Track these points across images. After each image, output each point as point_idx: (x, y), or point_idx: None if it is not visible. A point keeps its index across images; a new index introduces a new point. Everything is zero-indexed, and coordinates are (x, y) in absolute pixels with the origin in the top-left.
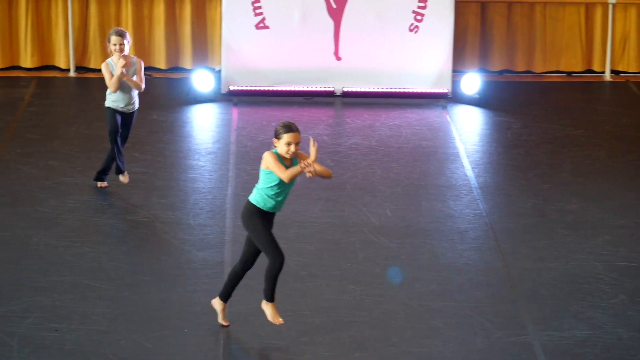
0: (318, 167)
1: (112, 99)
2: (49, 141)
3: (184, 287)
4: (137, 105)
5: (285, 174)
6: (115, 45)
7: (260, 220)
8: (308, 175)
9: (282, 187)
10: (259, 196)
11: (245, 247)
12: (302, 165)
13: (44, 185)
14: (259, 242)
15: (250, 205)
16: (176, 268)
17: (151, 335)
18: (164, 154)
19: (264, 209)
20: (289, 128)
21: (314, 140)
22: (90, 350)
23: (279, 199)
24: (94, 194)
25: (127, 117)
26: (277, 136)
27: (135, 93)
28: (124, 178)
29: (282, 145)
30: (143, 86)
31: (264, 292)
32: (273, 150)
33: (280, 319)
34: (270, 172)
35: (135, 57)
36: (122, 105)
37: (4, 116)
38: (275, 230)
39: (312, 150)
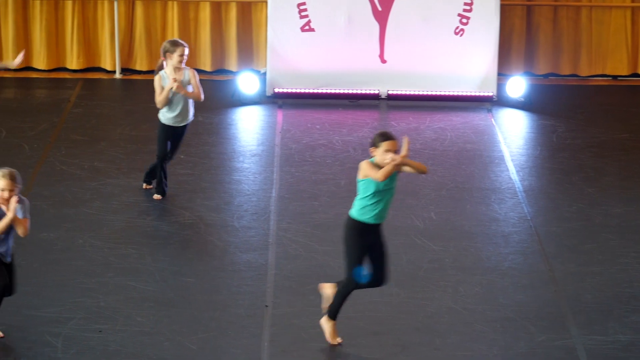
0: (412, 162)
1: (169, 116)
2: (94, 143)
3: (228, 289)
4: (192, 117)
5: (379, 174)
6: (181, 56)
7: (357, 238)
8: (398, 167)
9: (380, 196)
10: (359, 208)
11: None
12: (391, 158)
13: (89, 186)
14: (347, 257)
15: (350, 221)
16: (220, 270)
17: (195, 337)
18: (209, 156)
19: (366, 221)
20: (387, 136)
21: (407, 138)
22: (134, 352)
23: (379, 208)
24: (139, 196)
25: (180, 130)
26: (375, 145)
27: (191, 105)
28: (157, 197)
29: (381, 153)
30: (202, 96)
31: (328, 309)
32: (370, 159)
33: (338, 339)
34: (367, 181)
35: (188, 67)
36: (179, 119)
37: (49, 117)
38: (319, 232)
39: (404, 146)
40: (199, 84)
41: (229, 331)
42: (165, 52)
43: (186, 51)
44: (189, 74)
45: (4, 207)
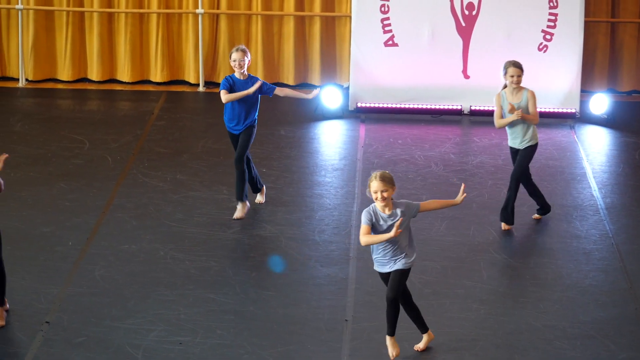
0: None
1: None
2: (176, 155)
3: (308, 303)
4: (533, 140)
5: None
6: (512, 77)
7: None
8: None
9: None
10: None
11: None
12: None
13: (171, 198)
14: None
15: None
16: (300, 284)
17: (274, 350)
18: (290, 170)
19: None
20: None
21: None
22: None
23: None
24: (221, 209)
25: (519, 152)
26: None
27: (530, 128)
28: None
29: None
30: (537, 120)
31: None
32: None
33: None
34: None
35: (526, 88)
36: (517, 142)
37: (133, 129)
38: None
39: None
40: (535, 106)
41: (308, 345)
42: (504, 72)
43: (517, 73)
44: (527, 95)
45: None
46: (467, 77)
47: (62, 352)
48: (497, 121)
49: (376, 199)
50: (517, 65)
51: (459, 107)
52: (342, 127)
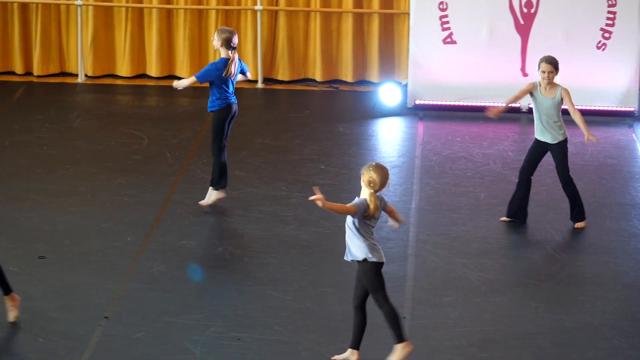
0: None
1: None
2: (235, 151)
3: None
4: (564, 135)
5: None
6: (543, 72)
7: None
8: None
9: None
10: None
11: None
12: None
13: (230, 195)
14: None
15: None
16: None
17: (332, 347)
18: (349, 167)
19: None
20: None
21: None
22: None
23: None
24: (279, 205)
25: (549, 147)
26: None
27: (561, 123)
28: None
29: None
30: (579, 114)
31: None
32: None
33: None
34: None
35: (560, 85)
36: (549, 137)
37: (192, 126)
38: (458, 245)
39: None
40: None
41: (365, 342)
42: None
43: (547, 68)
44: (561, 92)
45: None
46: (525, 74)
47: (121, 347)
48: (509, 98)
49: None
50: (550, 62)
51: (518, 105)
52: (401, 124)
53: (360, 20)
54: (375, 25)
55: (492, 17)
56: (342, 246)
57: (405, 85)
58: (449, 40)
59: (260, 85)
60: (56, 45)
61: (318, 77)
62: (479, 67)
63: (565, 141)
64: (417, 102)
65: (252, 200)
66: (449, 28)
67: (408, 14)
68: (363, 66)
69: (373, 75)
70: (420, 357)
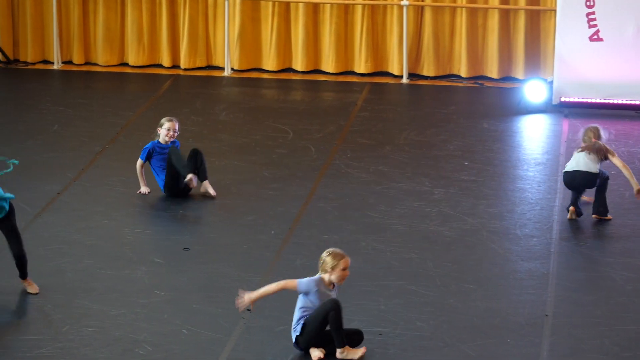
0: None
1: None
2: (379, 147)
3: (508, 297)
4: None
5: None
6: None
7: None
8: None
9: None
10: None
11: None
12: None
13: (374, 190)
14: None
15: None
16: (501, 278)
17: (474, 343)
18: (493, 163)
19: None
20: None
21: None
22: (413, 356)
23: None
24: (423, 200)
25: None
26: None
27: None
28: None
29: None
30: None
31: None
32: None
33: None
34: None
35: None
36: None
37: (337, 120)
38: (601, 243)
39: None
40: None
41: (508, 339)
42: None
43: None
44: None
45: None
46: None
47: (262, 340)
48: None
49: (344, 277)
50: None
51: None
52: (545, 121)
53: (506, 17)
54: (521, 22)
55: (639, 15)
56: (484, 243)
57: (551, 83)
58: (595, 37)
59: (405, 80)
60: (203, 39)
61: (463, 73)
62: (626, 64)
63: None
64: (563, 99)
65: (395, 196)
66: (595, 25)
67: (554, 10)
68: (508, 63)
69: (518, 72)
70: (562, 355)
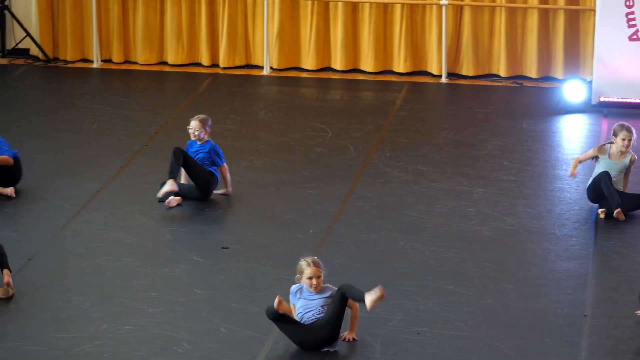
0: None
1: None
2: (418, 146)
3: (546, 297)
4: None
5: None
6: (623, 140)
7: None
8: None
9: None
10: None
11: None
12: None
13: (412, 189)
14: None
15: None
16: (540, 278)
17: (512, 343)
18: (532, 163)
19: None
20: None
21: None
22: (451, 356)
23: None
24: (461, 200)
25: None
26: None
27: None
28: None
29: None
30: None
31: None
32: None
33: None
34: None
35: (631, 152)
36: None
37: (375, 119)
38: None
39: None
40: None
41: (546, 339)
42: (613, 133)
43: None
44: (630, 159)
45: None
46: None
47: None
48: (576, 159)
49: (311, 284)
50: (630, 130)
51: None
52: (584, 121)
53: (545, 16)
54: (560, 22)
55: None
56: (523, 243)
57: (590, 82)
58: (634, 37)
59: (444, 80)
60: (242, 38)
61: (502, 73)
62: None
63: None
64: (602, 99)
65: (434, 195)
66: (635, 25)
67: (594, 10)
68: (548, 62)
69: (558, 71)
70: (601, 355)
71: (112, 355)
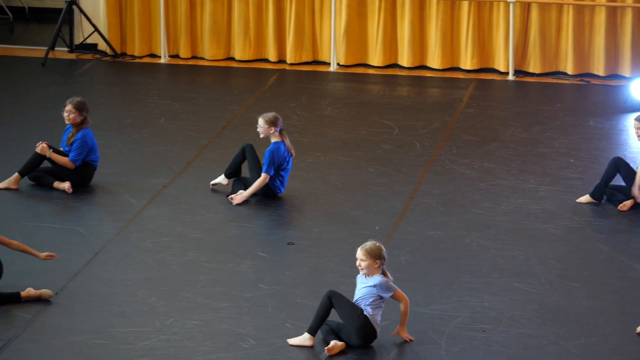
0: None
1: None
2: (485, 143)
3: (613, 296)
4: None
5: None
6: None
7: None
8: None
9: None
10: None
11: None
12: None
13: (479, 186)
14: None
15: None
16: (607, 276)
17: (577, 342)
18: (599, 161)
19: None
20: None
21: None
22: (516, 353)
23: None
24: (528, 198)
25: None
26: None
27: None
28: None
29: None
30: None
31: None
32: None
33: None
34: None
35: None
36: None
37: (442, 116)
38: None
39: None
40: None
41: (612, 338)
42: None
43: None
44: None
45: None
46: None
47: None
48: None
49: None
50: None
51: None
52: None
53: (613, 14)
54: (628, 19)
55: None
56: (590, 241)
57: None
58: None
59: (511, 77)
60: (309, 34)
61: (569, 70)
62: None
63: None
64: None
65: (500, 193)
66: None
67: None
68: (615, 60)
69: (625, 69)
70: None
71: (178, 350)
